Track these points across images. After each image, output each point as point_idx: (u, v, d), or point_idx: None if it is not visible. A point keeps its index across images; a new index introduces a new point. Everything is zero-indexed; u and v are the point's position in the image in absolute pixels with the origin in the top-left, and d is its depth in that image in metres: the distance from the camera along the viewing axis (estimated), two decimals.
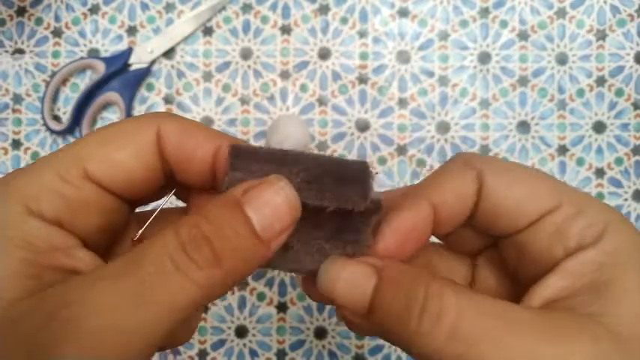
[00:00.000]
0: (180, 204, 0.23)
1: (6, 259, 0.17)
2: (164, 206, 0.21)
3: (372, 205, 0.19)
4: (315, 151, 0.44)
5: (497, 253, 0.22)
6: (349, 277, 0.18)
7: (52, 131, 0.44)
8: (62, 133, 0.44)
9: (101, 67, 0.44)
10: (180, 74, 0.45)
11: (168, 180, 0.20)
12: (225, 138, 0.20)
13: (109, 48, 0.45)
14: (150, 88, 0.45)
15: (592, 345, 0.16)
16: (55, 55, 0.45)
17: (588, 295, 0.18)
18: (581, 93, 0.44)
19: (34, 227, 0.17)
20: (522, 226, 0.19)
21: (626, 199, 0.44)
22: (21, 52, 0.45)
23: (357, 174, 0.18)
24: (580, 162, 0.44)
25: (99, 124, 0.45)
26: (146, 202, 0.21)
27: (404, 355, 0.43)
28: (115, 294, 0.15)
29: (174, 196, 0.22)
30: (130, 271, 0.15)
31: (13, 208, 0.17)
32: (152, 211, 0.21)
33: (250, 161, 0.18)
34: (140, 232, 0.20)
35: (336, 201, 0.18)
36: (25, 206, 0.17)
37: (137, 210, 0.21)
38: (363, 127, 0.44)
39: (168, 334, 0.16)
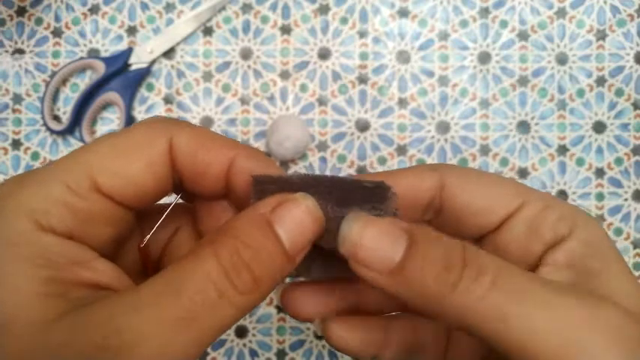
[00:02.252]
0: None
1: (27, 279, 0.16)
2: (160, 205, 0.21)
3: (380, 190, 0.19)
4: (316, 152, 0.44)
5: None
6: (377, 236, 0.17)
7: (52, 131, 0.44)
8: (62, 133, 0.44)
9: (101, 67, 0.44)
10: (180, 74, 0.45)
11: (177, 187, 0.20)
12: (240, 148, 0.19)
13: (109, 48, 0.45)
14: (150, 88, 0.45)
15: (618, 308, 0.16)
16: (55, 55, 0.45)
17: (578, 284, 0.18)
18: (581, 93, 0.44)
19: (50, 243, 0.17)
20: (493, 225, 0.20)
21: (626, 199, 0.44)
22: (21, 52, 0.45)
23: (373, 188, 0.19)
24: (580, 162, 0.44)
25: (99, 124, 0.45)
26: (149, 207, 0.21)
27: None
28: (162, 321, 0.15)
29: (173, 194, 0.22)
30: (174, 296, 0.16)
31: (22, 224, 0.16)
32: (154, 214, 0.21)
33: (273, 187, 0.19)
34: (146, 239, 0.21)
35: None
36: (35, 221, 0.17)
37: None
38: (363, 127, 0.44)
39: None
